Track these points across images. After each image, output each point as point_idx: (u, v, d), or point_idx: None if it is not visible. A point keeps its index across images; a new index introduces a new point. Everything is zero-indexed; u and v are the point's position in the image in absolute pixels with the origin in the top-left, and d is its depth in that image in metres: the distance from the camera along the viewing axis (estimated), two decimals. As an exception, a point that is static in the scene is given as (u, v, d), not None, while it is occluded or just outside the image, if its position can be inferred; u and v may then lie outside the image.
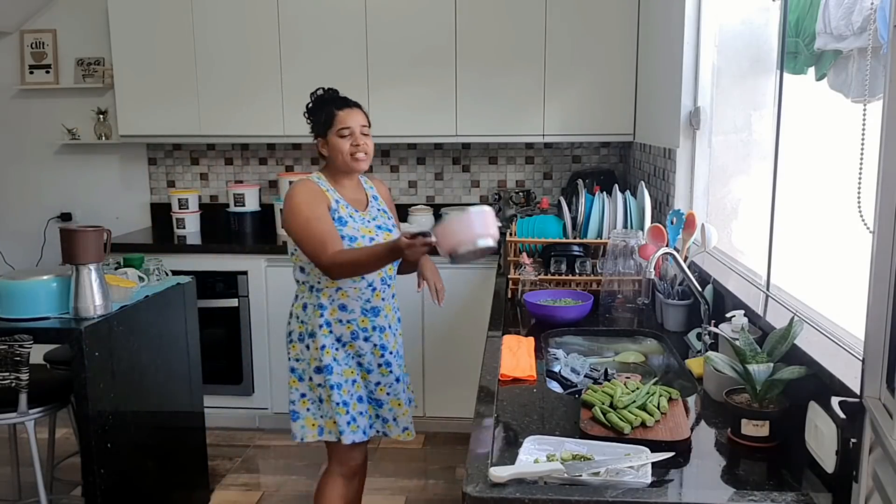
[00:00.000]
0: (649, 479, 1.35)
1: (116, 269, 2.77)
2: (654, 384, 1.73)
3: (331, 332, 2.36)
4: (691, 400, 1.77)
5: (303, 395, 2.41)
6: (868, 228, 1.21)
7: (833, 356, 1.50)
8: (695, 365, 1.95)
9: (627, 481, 1.34)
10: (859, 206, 1.43)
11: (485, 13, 3.74)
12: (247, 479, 3.44)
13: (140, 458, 2.68)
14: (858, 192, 1.44)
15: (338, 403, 2.35)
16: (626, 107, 3.76)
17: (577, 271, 2.77)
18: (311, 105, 2.41)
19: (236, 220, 4.18)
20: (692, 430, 1.59)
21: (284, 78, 3.85)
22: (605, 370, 2.02)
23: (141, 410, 2.67)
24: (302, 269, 2.40)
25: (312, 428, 2.40)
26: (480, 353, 2.18)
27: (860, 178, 1.44)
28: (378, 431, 2.49)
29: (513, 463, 1.41)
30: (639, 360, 2.16)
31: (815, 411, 1.38)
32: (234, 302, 3.79)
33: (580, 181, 3.33)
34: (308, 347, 2.38)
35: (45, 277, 2.46)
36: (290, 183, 2.53)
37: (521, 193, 4.11)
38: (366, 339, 2.39)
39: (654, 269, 2.22)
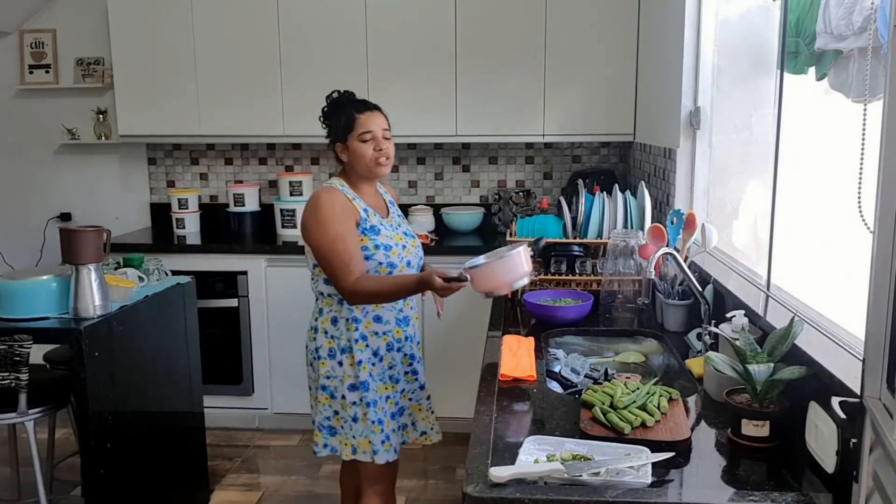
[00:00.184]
0: (649, 480, 1.35)
1: (116, 269, 2.76)
2: (655, 384, 1.73)
3: (367, 346, 2.25)
4: (691, 400, 1.77)
5: (336, 413, 2.28)
6: (868, 228, 1.21)
7: (833, 356, 1.50)
8: (695, 365, 1.95)
9: (627, 481, 1.34)
10: (859, 206, 1.43)
11: (485, 13, 3.74)
12: (247, 479, 3.44)
13: (140, 458, 2.67)
14: (859, 192, 1.44)
15: (373, 422, 2.24)
16: (627, 107, 3.76)
17: (577, 271, 2.77)
18: (327, 108, 2.29)
19: (236, 220, 4.18)
20: (692, 430, 1.59)
21: (284, 78, 3.85)
22: (606, 370, 2.02)
23: (141, 410, 2.67)
24: (327, 282, 2.24)
25: (346, 447, 2.28)
26: (480, 353, 2.19)
27: (860, 178, 1.44)
28: (403, 442, 2.40)
29: (513, 463, 1.41)
30: (639, 361, 2.16)
31: (815, 411, 1.38)
32: (233, 302, 3.79)
33: (580, 181, 3.32)
34: (341, 364, 2.25)
35: (44, 277, 2.46)
36: (314, 189, 2.45)
37: (521, 193, 4.11)
38: (398, 350, 2.31)
39: (655, 269, 2.22)
